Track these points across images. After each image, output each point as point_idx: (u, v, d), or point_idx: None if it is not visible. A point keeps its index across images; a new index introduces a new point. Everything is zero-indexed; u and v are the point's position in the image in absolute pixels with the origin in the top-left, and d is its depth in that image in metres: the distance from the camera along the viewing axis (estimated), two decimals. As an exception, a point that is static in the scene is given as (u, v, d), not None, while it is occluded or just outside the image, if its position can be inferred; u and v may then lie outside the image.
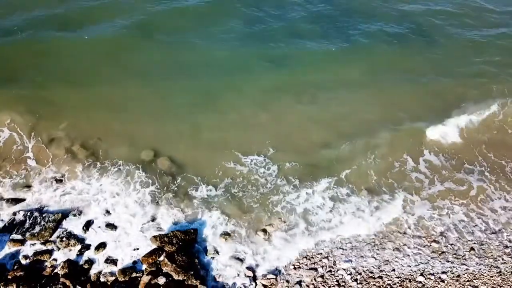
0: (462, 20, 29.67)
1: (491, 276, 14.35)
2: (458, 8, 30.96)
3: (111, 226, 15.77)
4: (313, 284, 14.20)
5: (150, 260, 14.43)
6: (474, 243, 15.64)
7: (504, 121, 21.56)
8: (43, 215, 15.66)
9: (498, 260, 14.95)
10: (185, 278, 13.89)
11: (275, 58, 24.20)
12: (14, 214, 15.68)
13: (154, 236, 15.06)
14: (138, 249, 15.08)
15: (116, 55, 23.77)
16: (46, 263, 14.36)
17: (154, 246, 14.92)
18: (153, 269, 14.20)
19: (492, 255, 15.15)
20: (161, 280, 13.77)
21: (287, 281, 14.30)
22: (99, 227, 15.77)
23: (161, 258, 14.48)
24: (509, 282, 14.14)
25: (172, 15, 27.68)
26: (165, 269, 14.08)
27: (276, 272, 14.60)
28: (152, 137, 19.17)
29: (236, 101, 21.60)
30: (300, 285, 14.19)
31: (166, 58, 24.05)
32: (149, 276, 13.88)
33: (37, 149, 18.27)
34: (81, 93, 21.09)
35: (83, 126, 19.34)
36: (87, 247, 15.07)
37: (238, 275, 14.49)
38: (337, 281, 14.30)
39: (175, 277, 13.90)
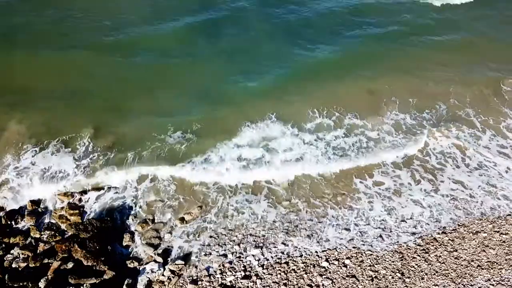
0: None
1: (393, 261, 14.86)
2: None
3: (32, 214, 16.19)
4: (220, 269, 14.69)
5: (64, 247, 14.85)
6: (383, 229, 16.13)
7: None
8: (-35, 204, 16.09)
9: (403, 246, 15.45)
10: (94, 264, 14.36)
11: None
12: None
13: (70, 224, 15.52)
14: (55, 236, 15.50)
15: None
16: (-39, 251, 14.80)
17: (70, 233, 15.38)
18: (65, 255, 14.66)
19: (398, 241, 15.65)
20: (70, 266, 14.23)
21: (196, 267, 14.77)
22: (22, 216, 16.18)
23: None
24: (409, 267, 14.65)
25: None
26: (75, 255, 14.54)
27: (186, 258, 15.07)
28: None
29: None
30: (208, 270, 14.67)
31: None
32: (59, 262, 14.34)
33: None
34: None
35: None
36: (6, 235, 15.47)
37: (150, 260, 14.96)
38: (244, 266, 14.78)
39: (84, 262, 14.36)
